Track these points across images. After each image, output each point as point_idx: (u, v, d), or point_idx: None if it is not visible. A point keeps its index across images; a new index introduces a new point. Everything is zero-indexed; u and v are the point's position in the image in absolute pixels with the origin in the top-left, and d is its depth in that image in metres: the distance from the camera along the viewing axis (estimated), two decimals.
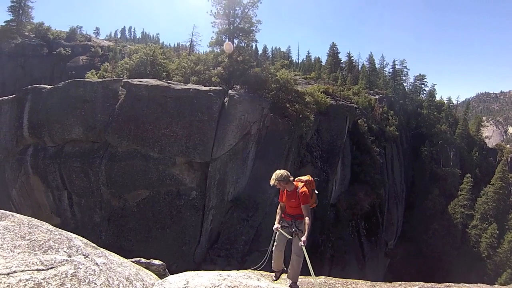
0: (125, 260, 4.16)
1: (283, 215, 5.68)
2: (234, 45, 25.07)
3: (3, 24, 54.32)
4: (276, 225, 5.56)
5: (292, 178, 5.54)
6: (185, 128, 17.44)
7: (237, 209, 19.55)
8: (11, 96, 20.57)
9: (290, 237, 5.49)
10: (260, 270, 6.36)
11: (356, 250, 30.92)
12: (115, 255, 4.07)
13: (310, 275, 5.11)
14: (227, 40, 25.03)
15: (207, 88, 18.96)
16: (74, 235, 3.69)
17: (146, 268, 5.84)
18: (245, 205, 19.59)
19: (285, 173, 5.48)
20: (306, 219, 5.32)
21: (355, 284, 6.22)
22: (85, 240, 3.75)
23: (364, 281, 6.78)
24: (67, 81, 19.60)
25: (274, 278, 5.90)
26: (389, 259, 40.71)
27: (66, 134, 18.33)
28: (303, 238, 5.19)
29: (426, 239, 46.02)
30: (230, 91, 19.64)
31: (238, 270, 18.04)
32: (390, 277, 39.03)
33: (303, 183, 5.56)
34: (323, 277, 6.16)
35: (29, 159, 18.83)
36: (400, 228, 45.88)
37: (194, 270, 14.84)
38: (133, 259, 5.87)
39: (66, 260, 2.84)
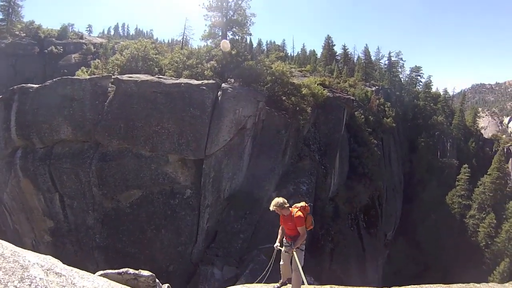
0: (100, 283, 3.58)
1: (284, 237, 6.48)
2: (228, 38, 24.44)
3: None
4: (277, 243, 6.43)
5: (287, 205, 6.32)
6: (177, 124, 16.89)
7: (234, 207, 19.00)
8: None
9: (288, 253, 6.35)
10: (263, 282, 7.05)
11: (356, 243, 30.57)
12: (90, 277, 3.49)
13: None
14: (220, 32, 24.43)
15: (199, 82, 18.37)
16: (36, 259, 3.09)
17: (134, 279, 5.36)
18: (242, 202, 19.03)
19: (281, 200, 6.26)
20: (303, 236, 6.28)
21: None
22: (49, 264, 3.15)
23: None
24: (54, 80, 18.98)
25: (279, 285, 6.74)
26: (388, 250, 40.53)
27: (55, 134, 17.80)
28: (294, 246, 6.21)
29: (424, 229, 45.87)
30: (223, 85, 19.03)
31: (237, 268, 17.44)
32: (389, 268, 39.05)
33: (298, 209, 6.34)
34: (328, 286, 6.44)
35: (19, 162, 18.31)
36: (398, 219, 45.65)
37: (192, 271, 14.41)
38: (121, 270, 5.43)
39: None
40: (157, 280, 5.53)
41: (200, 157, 17.21)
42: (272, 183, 20.97)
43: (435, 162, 53.08)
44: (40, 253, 12.82)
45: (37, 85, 19.23)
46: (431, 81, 66.54)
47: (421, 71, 66.41)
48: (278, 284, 6.74)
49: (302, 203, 6.53)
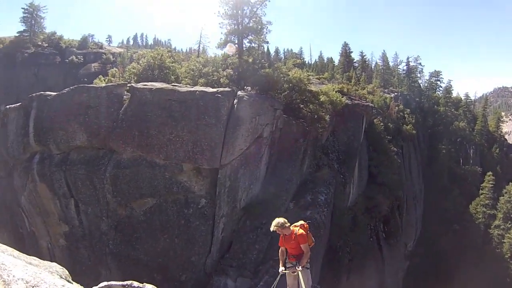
0: None
1: (287, 258, 6.42)
2: (245, 46, 24.20)
3: (17, 34, 55.57)
4: (281, 268, 6.32)
5: (288, 224, 6.34)
6: (191, 132, 16.61)
7: (250, 217, 18.52)
8: (17, 104, 20.34)
9: (295, 272, 6.22)
10: None
11: (375, 254, 29.66)
12: None
13: None
14: (236, 40, 24.22)
15: (215, 89, 18.06)
16: (22, 274, 2.75)
17: None
18: (259, 212, 18.52)
19: (282, 220, 6.30)
20: (307, 254, 6.31)
21: None
22: (36, 280, 2.78)
23: None
24: (71, 88, 19.10)
25: None
26: (408, 262, 39.18)
27: (71, 141, 17.91)
28: (299, 265, 6.16)
29: (447, 240, 44.33)
30: (239, 92, 18.62)
31: (251, 280, 17.02)
32: (409, 280, 37.73)
33: (299, 227, 6.43)
34: None
35: (36, 167, 18.51)
36: (419, 229, 44.35)
37: (205, 282, 14.09)
38: (125, 282, 5.15)
39: None
40: None
41: (215, 166, 16.85)
42: (290, 193, 20.44)
43: (457, 169, 51.65)
44: (55, 256, 12.78)
45: (54, 93, 19.45)
46: (451, 85, 65.30)
47: (440, 76, 65.10)
48: None
49: (301, 222, 6.64)
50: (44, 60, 52.91)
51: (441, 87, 65.80)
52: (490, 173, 47.49)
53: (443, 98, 62.31)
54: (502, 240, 41.63)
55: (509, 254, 40.29)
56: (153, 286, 5.38)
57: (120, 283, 5.14)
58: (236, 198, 18.02)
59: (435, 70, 65.40)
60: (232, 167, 17.49)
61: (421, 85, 66.01)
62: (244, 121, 17.62)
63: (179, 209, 16.88)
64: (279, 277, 6.51)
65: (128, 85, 19.00)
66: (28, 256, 4.67)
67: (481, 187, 47.35)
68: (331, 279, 22.46)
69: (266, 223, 18.21)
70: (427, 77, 67.05)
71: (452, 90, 65.93)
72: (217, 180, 16.98)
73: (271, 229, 6.35)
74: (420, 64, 65.62)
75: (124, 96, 18.24)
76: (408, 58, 65.51)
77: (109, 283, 5.07)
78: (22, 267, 3.10)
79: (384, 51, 71.31)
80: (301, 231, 6.30)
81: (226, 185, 17.30)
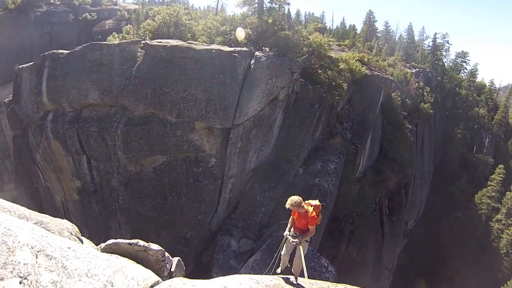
0: (98, 263, 3.10)
1: (293, 227, 6.84)
2: (265, 6, 23.28)
3: None
4: (286, 232, 6.79)
5: (303, 204, 6.57)
6: (205, 91, 16.32)
7: (258, 179, 18.54)
8: (30, 64, 20.31)
9: (295, 244, 6.70)
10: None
11: (376, 229, 29.74)
12: (87, 257, 3.03)
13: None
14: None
15: (232, 48, 17.56)
16: (27, 239, 2.63)
17: (144, 251, 5.23)
18: (268, 175, 18.54)
19: (298, 200, 6.45)
20: (312, 233, 6.71)
21: None
22: (41, 245, 2.67)
23: None
24: (83, 45, 18.87)
25: (279, 272, 7.03)
26: (406, 240, 39.53)
27: (83, 99, 17.95)
28: (301, 239, 6.62)
29: (447, 225, 44.58)
30: (257, 53, 18.05)
31: (254, 242, 17.15)
32: (404, 257, 38.20)
33: (313, 207, 6.64)
34: (341, 285, 6.53)
35: (49, 125, 18.79)
36: (422, 210, 44.28)
37: (209, 240, 14.41)
38: (131, 241, 5.32)
39: None
40: (166, 254, 5.32)
41: (228, 126, 16.67)
42: (300, 158, 20.27)
43: (469, 156, 50.96)
44: (68, 210, 13.17)
45: (67, 51, 19.26)
46: (477, 69, 62.54)
47: (467, 57, 62.13)
48: (278, 271, 7.02)
49: (316, 202, 6.83)
50: (57, 19, 51.73)
51: (466, 69, 63.35)
52: (501, 166, 46.74)
53: (466, 81, 60.18)
54: (501, 235, 41.63)
55: (504, 250, 40.41)
56: (158, 245, 5.46)
57: (127, 241, 5.24)
58: (246, 159, 17.96)
59: (462, 51, 62.68)
60: (244, 127, 17.28)
61: (445, 64, 63.42)
62: (260, 82, 17.20)
63: (189, 167, 16.94)
64: (284, 240, 6.89)
65: (142, 42, 18.64)
66: (40, 214, 4.69)
67: (490, 179, 46.84)
68: (331, 248, 22.75)
69: (274, 186, 18.25)
70: (452, 57, 64.65)
71: (477, 74, 63.34)
72: (228, 140, 16.87)
73: (287, 206, 6.48)
74: (447, 42, 62.47)
75: (138, 53, 17.93)
76: (435, 34, 62.13)
77: (116, 240, 5.18)
78: (28, 230, 3.00)
79: (410, 23, 68.42)
80: (314, 213, 6.59)
81: (237, 146, 17.17)
